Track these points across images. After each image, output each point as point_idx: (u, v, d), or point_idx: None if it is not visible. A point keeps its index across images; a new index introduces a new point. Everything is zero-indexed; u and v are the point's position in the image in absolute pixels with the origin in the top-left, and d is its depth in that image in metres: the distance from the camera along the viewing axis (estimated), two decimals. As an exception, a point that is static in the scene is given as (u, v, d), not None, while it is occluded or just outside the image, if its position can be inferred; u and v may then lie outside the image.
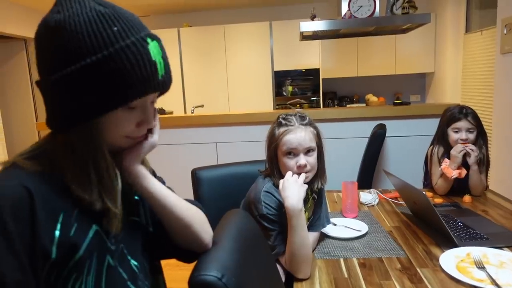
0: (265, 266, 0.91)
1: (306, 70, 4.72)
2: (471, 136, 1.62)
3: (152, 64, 0.59)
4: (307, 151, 1.12)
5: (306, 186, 1.09)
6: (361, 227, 1.33)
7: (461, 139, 1.61)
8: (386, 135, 2.43)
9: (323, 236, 1.29)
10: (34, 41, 0.60)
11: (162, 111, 3.91)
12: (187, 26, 4.88)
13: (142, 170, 0.68)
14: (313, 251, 1.18)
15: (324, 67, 4.71)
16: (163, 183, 0.74)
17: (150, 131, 0.69)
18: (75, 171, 0.60)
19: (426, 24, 2.54)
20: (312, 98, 4.79)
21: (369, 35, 2.93)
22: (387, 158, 2.81)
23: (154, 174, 0.76)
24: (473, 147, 1.60)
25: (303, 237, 1.05)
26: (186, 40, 4.80)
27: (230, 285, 0.62)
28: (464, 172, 1.62)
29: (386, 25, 2.50)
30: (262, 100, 4.81)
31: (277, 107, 4.82)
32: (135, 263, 0.69)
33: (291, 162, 1.12)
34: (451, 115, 1.65)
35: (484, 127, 1.66)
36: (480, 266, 1.00)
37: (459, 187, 1.64)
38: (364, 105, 4.76)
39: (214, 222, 0.79)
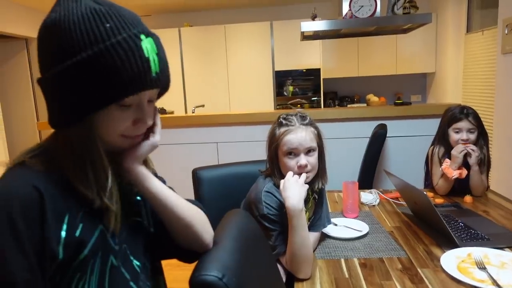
0: (266, 266, 0.91)
1: (307, 70, 4.72)
2: (472, 137, 1.61)
3: (144, 61, 0.58)
4: (308, 151, 1.12)
5: (307, 186, 1.08)
6: (362, 227, 1.33)
7: (462, 140, 1.61)
8: (387, 135, 2.42)
9: (324, 236, 1.29)
10: (36, 40, 0.61)
11: (162, 111, 3.92)
12: (188, 26, 4.88)
13: (143, 171, 0.68)
14: (314, 251, 1.18)
15: (325, 67, 4.71)
16: (164, 182, 0.75)
17: (151, 131, 0.69)
18: (75, 169, 0.60)
19: (427, 24, 2.54)
20: (313, 98, 4.78)
21: (370, 35, 2.93)
22: (388, 158, 2.81)
23: (155, 174, 0.76)
24: (474, 147, 1.59)
25: (304, 237, 1.04)
26: (187, 40, 4.80)
27: (231, 285, 0.62)
28: (465, 172, 1.61)
29: (387, 25, 2.49)
30: (263, 100, 4.81)
31: (277, 107, 4.82)
32: (138, 263, 0.69)
33: (292, 162, 1.12)
34: (452, 115, 1.64)
35: (485, 127, 1.66)
36: (481, 267, 1.00)
37: (460, 187, 1.64)
38: (365, 105, 4.76)
39: (214, 222, 0.79)
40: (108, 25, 0.57)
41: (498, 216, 1.41)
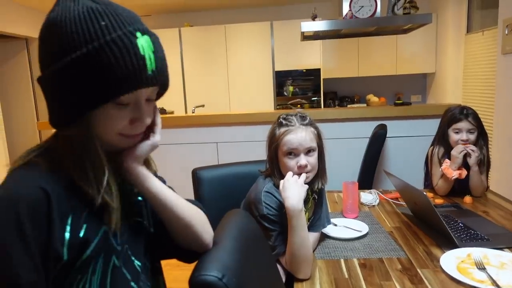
0: (266, 266, 0.91)
1: (307, 70, 4.72)
2: (472, 137, 1.61)
3: (139, 59, 0.58)
4: (308, 151, 1.12)
5: (306, 186, 1.08)
6: (362, 228, 1.33)
7: (462, 140, 1.61)
8: (387, 136, 2.43)
9: (324, 237, 1.29)
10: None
11: (162, 111, 3.92)
12: (188, 26, 4.88)
13: (143, 171, 0.68)
14: (313, 251, 1.18)
15: (325, 67, 4.71)
16: (164, 182, 0.75)
17: (152, 130, 0.69)
18: (75, 168, 0.60)
19: (427, 24, 2.54)
20: (313, 98, 4.79)
21: (370, 35, 2.93)
22: (387, 158, 2.81)
23: (155, 174, 0.76)
24: (473, 147, 1.59)
25: (303, 237, 1.05)
26: (187, 40, 4.80)
27: (230, 285, 0.62)
28: (464, 172, 1.61)
29: (387, 25, 2.50)
30: (263, 100, 4.81)
31: (278, 107, 4.82)
32: (138, 263, 0.70)
33: (292, 162, 1.12)
34: (452, 115, 1.64)
35: (485, 127, 1.66)
36: (481, 267, 1.00)
37: (460, 187, 1.64)
38: (365, 105, 4.76)
39: (214, 222, 0.79)
40: (103, 23, 0.57)
41: (497, 216, 1.41)
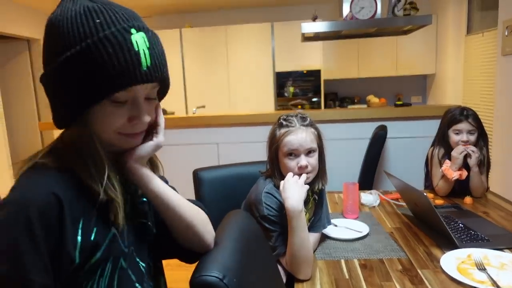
0: (266, 267, 0.92)
1: (308, 71, 4.72)
2: (472, 138, 1.62)
3: (133, 55, 0.57)
4: (308, 152, 1.12)
5: (307, 186, 1.08)
6: (362, 228, 1.33)
7: (462, 141, 1.61)
8: (387, 136, 2.43)
9: (324, 237, 1.29)
10: None
11: (163, 112, 3.92)
12: (189, 27, 4.89)
13: (147, 172, 0.67)
14: (314, 252, 1.18)
15: (326, 68, 4.71)
16: (166, 182, 0.75)
17: (155, 131, 0.68)
18: (78, 165, 0.60)
19: (427, 26, 2.54)
20: (313, 99, 4.79)
21: (370, 37, 2.94)
22: (388, 159, 2.81)
23: (161, 176, 0.76)
24: (474, 148, 1.59)
25: (303, 238, 1.05)
26: (188, 41, 4.81)
27: (231, 286, 0.62)
28: (465, 173, 1.61)
29: (387, 26, 2.50)
30: (264, 101, 4.82)
31: (278, 108, 4.82)
32: (143, 264, 0.70)
33: (292, 163, 1.12)
34: (452, 116, 1.65)
35: (485, 128, 1.66)
36: (481, 268, 1.00)
37: (460, 188, 1.64)
38: (365, 106, 4.76)
39: (215, 223, 0.79)
40: (98, 20, 0.57)
41: (498, 217, 1.41)
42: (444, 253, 1.12)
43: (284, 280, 1.09)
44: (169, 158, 2.95)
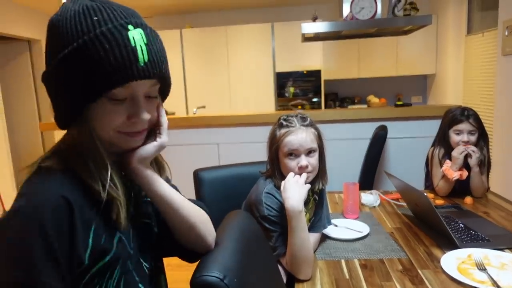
0: (267, 267, 0.92)
1: (308, 71, 4.73)
2: (473, 138, 1.62)
3: (130, 51, 0.57)
4: (309, 152, 1.13)
5: (308, 186, 1.08)
6: (362, 228, 1.33)
7: (463, 141, 1.61)
8: (388, 137, 2.43)
9: (324, 237, 1.29)
10: None
11: (164, 112, 3.92)
12: (189, 28, 4.89)
13: (150, 173, 0.67)
14: (314, 252, 1.18)
15: (326, 69, 4.71)
16: (169, 182, 0.74)
17: (158, 131, 0.68)
18: (80, 165, 0.60)
19: (427, 26, 2.54)
20: (313, 99, 4.79)
21: (370, 37, 2.94)
22: (388, 159, 2.81)
23: (167, 179, 0.76)
24: (474, 148, 1.60)
25: (303, 238, 1.05)
26: (188, 42, 4.81)
27: (232, 286, 0.62)
28: (465, 173, 1.61)
29: (387, 26, 2.50)
30: (264, 101, 4.82)
31: (278, 108, 4.82)
32: (146, 265, 0.70)
33: (293, 163, 1.12)
34: (453, 117, 1.65)
35: (485, 128, 1.66)
36: (481, 268, 1.01)
37: (461, 188, 1.64)
38: (366, 106, 4.76)
39: (216, 223, 0.79)
40: (95, 18, 0.57)
41: (498, 217, 1.41)
42: (445, 253, 1.12)
43: (285, 280, 1.09)
44: (169, 159, 2.93)
